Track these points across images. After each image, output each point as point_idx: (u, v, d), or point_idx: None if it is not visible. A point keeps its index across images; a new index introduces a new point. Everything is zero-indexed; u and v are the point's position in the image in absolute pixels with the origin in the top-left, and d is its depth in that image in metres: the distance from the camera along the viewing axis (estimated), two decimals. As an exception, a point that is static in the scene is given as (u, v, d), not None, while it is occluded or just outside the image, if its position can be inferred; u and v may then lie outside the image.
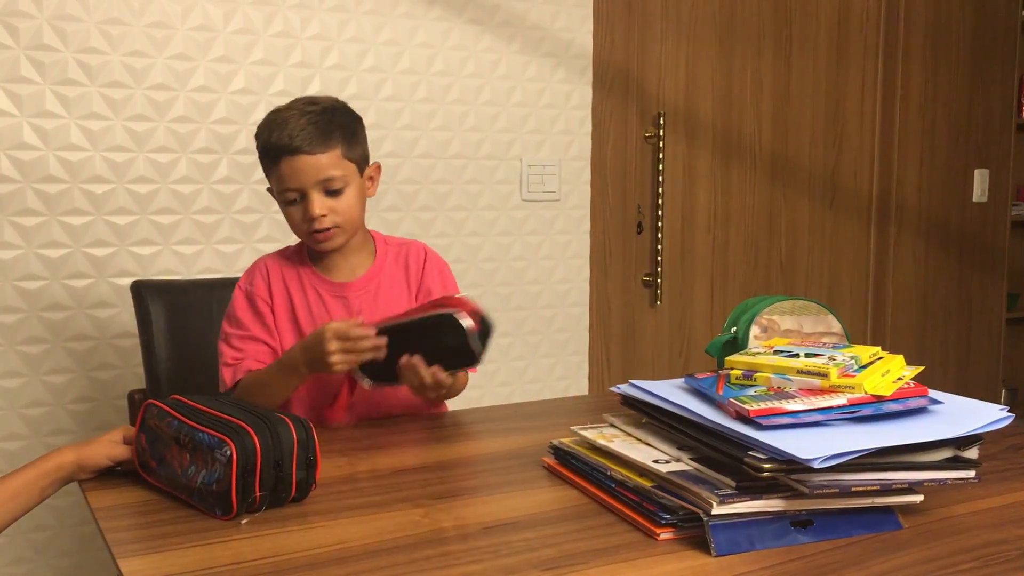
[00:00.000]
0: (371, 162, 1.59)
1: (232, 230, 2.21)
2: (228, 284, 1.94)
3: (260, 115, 2.21)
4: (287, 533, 1.03)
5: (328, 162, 1.47)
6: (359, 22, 2.32)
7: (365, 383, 1.42)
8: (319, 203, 1.47)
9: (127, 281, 2.00)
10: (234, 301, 1.57)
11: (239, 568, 0.94)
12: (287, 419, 1.12)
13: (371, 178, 1.58)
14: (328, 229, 1.49)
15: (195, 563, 0.94)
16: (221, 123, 2.18)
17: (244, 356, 1.51)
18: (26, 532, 2.06)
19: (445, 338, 1.36)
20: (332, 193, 1.48)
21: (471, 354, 1.36)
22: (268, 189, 1.58)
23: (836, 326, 1.48)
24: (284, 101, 2.22)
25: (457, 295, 1.42)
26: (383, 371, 1.40)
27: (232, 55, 2.18)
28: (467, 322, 1.35)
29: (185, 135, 2.14)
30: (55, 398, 2.07)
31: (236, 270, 2.21)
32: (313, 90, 2.27)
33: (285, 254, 1.62)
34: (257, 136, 1.53)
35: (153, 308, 1.81)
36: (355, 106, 2.30)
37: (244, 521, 1.06)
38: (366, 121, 2.33)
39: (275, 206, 2.23)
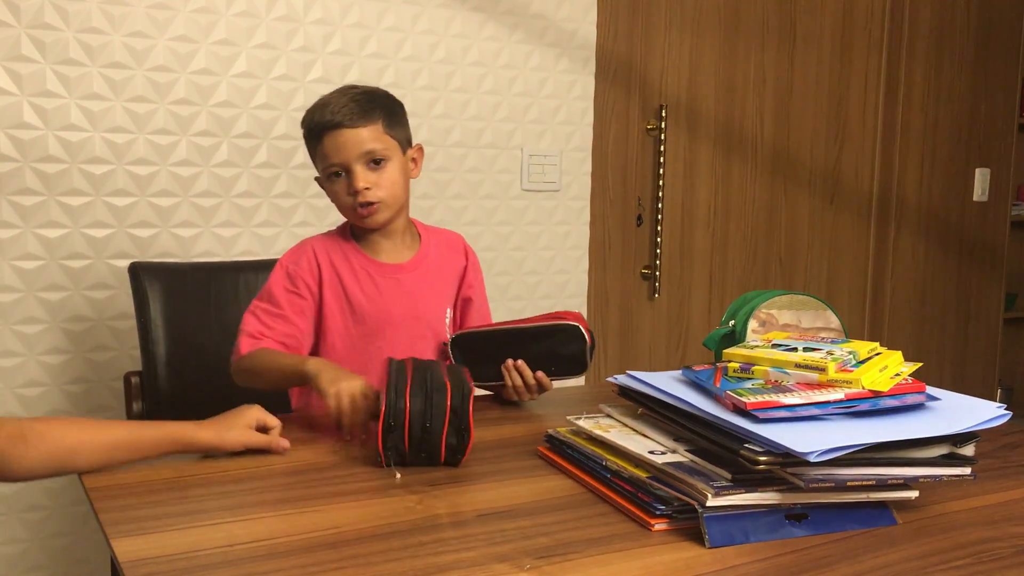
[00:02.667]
0: (413, 144, 1.62)
1: (231, 214, 2.21)
2: (226, 268, 1.95)
3: (261, 99, 2.23)
4: (282, 516, 1.03)
5: (370, 135, 1.50)
6: (362, 7, 2.31)
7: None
8: (362, 176, 1.50)
9: (125, 263, 1.99)
10: (273, 277, 1.57)
11: (232, 550, 0.93)
12: (448, 384, 1.19)
13: (414, 159, 1.61)
14: (372, 203, 1.52)
15: (188, 545, 0.94)
16: (222, 106, 2.17)
17: (269, 333, 1.52)
18: (19, 512, 2.06)
19: (561, 347, 1.49)
20: (375, 165, 1.51)
21: (582, 364, 1.49)
22: (316, 179, 1.60)
23: (834, 322, 1.48)
24: (286, 85, 2.25)
25: (572, 311, 1.53)
26: (489, 372, 1.52)
27: (234, 38, 2.17)
28: (586, 335, 1.49)
29: (185, 118, 2.13)
30: (51, 378, 2.07)
31: (234, 254, 2.21)
32: (315, 76, 2.26)
33: (330, 236, 1.63)
34: (302, 123, 1.57)
35: (150, 290, 1.81)
36: (357, 92, 2.33)
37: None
38: (367, 107, 2.36)
39: (274, 190, 2.24)
